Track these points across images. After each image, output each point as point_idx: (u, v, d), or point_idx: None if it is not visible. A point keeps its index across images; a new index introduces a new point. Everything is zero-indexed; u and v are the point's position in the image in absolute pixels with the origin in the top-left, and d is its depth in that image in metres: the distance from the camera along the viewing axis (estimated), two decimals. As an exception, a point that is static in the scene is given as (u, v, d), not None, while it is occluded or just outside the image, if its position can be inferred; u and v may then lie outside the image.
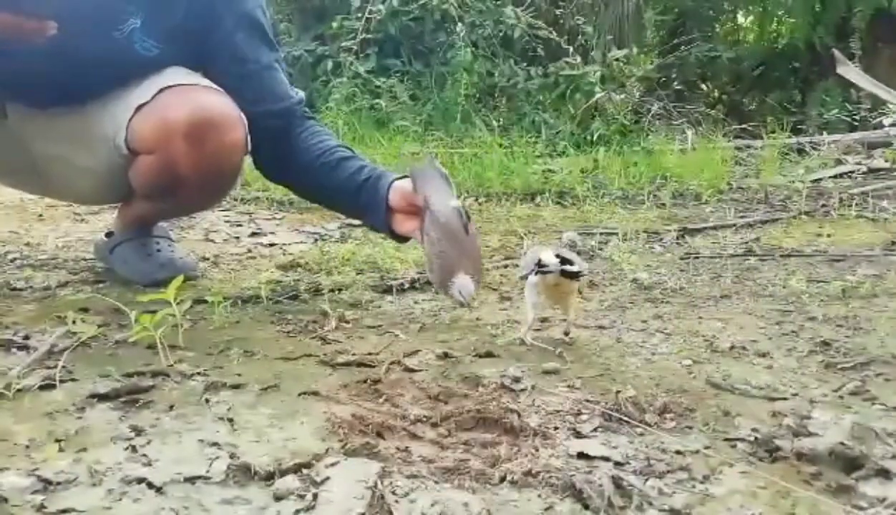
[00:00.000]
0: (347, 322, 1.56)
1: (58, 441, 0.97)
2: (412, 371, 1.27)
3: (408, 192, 1.63)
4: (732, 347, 1.42)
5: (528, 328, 1.45)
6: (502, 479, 0.89)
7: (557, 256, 1.36)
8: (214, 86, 1.71)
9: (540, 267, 1.36)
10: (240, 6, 1.73)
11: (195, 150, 1.63)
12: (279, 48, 1.86)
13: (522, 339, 1.45)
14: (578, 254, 1.52)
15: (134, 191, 1.79)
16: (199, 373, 1.22)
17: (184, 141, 1.62)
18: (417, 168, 1.66)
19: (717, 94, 8.39)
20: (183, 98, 1.64)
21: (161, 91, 1.64)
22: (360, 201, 1.70)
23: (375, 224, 1.74)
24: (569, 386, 1.20)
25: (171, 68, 1.69)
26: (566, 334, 1.48)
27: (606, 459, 0.95)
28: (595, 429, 1.04)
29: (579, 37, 5.65)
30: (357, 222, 2.81)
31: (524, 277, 1.44)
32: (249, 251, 2.34)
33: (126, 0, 1.65)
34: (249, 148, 1.72)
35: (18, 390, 1.11)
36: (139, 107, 1.65)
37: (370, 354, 1.34)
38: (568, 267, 1.35)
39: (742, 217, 2.99)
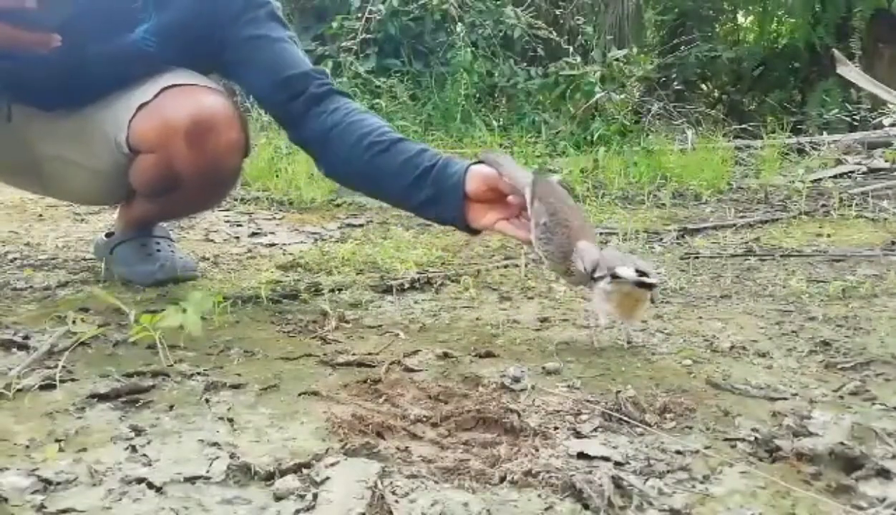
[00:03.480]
0: (347, 322, 1.56)
1: (58, 441, 0.97)
2: (412, 371, 1.27)
3: (490, 177, 1.50)
4: (732, 347, 1.42)
5: (598, 331, 1.45)
6: (502, 479, 0.89)
7: (639, 272, 1.31)
8: (216, 86, 1.71)
9: (614, 278, 1.31)
10: None
11: (195, 150, 1.62)
12: (291, 29, 1.79)
13: (591, 342, 1.43)
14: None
15: (135, 192, 1.79)
16: (199, 373, 1.22)
17: (184, 141, 1.61)
18: (490, 153, 1.56)
19: (717, 94, 8.40)
20: (184, 98, 1.64)
21: (162, 91, 1.64)
22: (424, 189, 1.52)
23: (445, 214, 1.55)
24: (569, 386, 1.20)
25: (173, 68, 1.69)
26: (629, 342, 1.44)
27: (606, 459, 0.95)
28: (595, 429, 1.04)
29: (579, 37, 5.65)
30: (357, 222, 2.83)
31: (595, 279, 1.36)
32: (249, 251, 2.34)
33: (138, 8, 1.64)
34: (250, 149, 1.72)
35: (18, 390, 1.11)
36: (140, 107, 1.65)
37: (370, 354, 1.34)
38: (645, 279, 1.30)
39: (742, 217, 2.99)
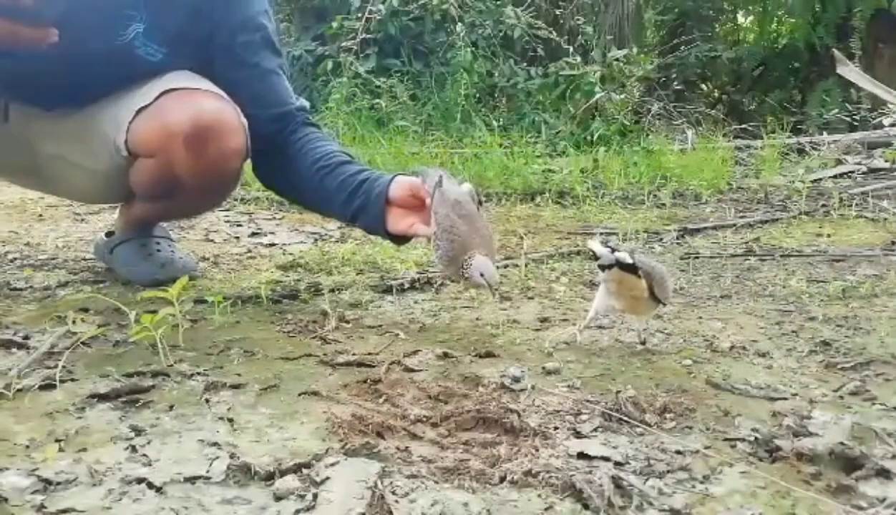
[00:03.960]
0: (347, 322, 1.56)
1: (58, 441, 0.97)
2: (412, 371, 1.27)
3: (413, 183, 1.59)
4: (732, 347, 1.42)
5: (586, 325, 1.44)
6: (502, 479, 0.89)
7: (611, 249, 1.31)
8: (217, 90, 1.70)
9: (596, 259, 1.33)
10: (243, 10, 1.73)
11: (195, 155, 1.62)
12: (283, 54, 1.85)
13: (577, 335, 1.44)
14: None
15: (134, 193, 1.79)
16: (199, 373, 1.22)
17: (183, 145, 1.61)
18: (424, 168, 1.63)
19: (717, 94, 8.40)
20: (184, 102, 1.63)
21: (162, 94, 1.64)
22: (356, 201, 1.64)
23: (370, 223, 1.65)
24: (569, 386, 1.20)
25: (173, 71, 1.69)
26: (643, 343, 1.43)
27: (606, 459, 0.95)
28: (595, 429, 1.04)
29: (579, 37, 5.66)
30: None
31: (603, 268, 1.36)
32: (249, 251, 2.34)
33: (129, 5, 1.65)
34: (249, 154, 1.72)
35: (18, 390, 1.11)
36: (140, 110, 1.65)
37: (370, 354, 1.34)
38: (624, 260, 1.29)
39: (742, 217, 2.99)
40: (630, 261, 1.30)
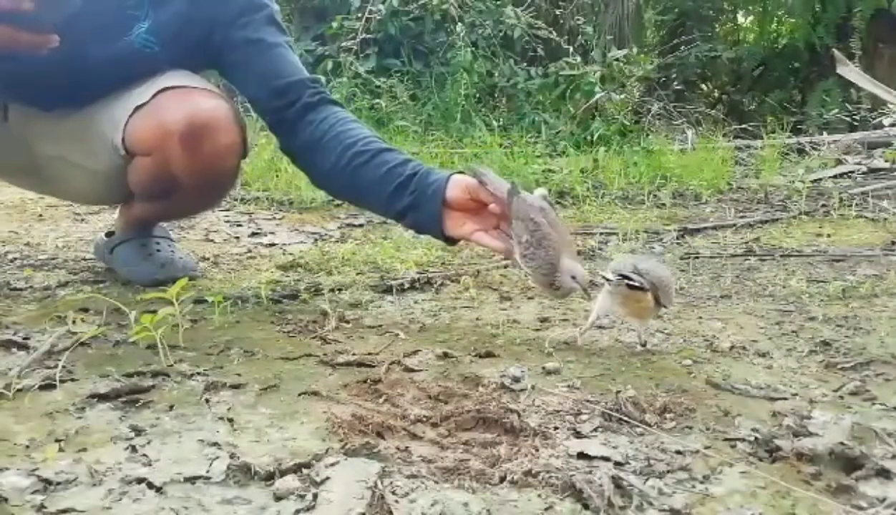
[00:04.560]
0: (347, 322, 1.56)
1: (58, 441, 0.97)
2: (412, 371, 1.27)
3: (471, 186, 1.50)
4: (732, 347, 1.42)
5: (587, 329, 1.44)
6: (502, 479, 0.89)
7: (623, 272, 1.33)
8: (213, 88, 1.70)
9: (607, 280, 1.34)
10: None
11: (191, 154, 1.62)
12: (289, 34, 1.80)
13: (578, 338, 1.43)
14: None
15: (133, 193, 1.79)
16: (199, 373, 1.22)
17: (179, 144, 1.61)
18: (476, 167, 1.55)
19: (717, 94, 8.40)
20: (180, 100, 1.63)
21: (159, 92, 1.64)
22: (405, 198, 1.53)
23: (422, 222, 1.55)
24: (569, 386, 1.20)
25: (171, 70, 1.69)
26: (643, 345, 1.42)
27: (606, 459, 0.95)
28: (595, 429, 1.04)
29: (579, 37, 5.66)
30: (357, 222, 2.83)
31: (608, 280, 1.37)
32: (249, 251, 2.34)
33: (133, 6, 1.65)
34: (248, 151, 1.71)
35: (18, 390, 1.11)
36: (137, 109, 1.65)
37: (370, 354, 1.34)
38: (633, 281, 1.31)
39: (742, 217, 2.99)
40: (639, 285, 1.32)
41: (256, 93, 1.69)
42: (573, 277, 1.41)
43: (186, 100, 1.63)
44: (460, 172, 1.56)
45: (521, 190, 1.47)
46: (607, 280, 1.36)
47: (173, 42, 1.67)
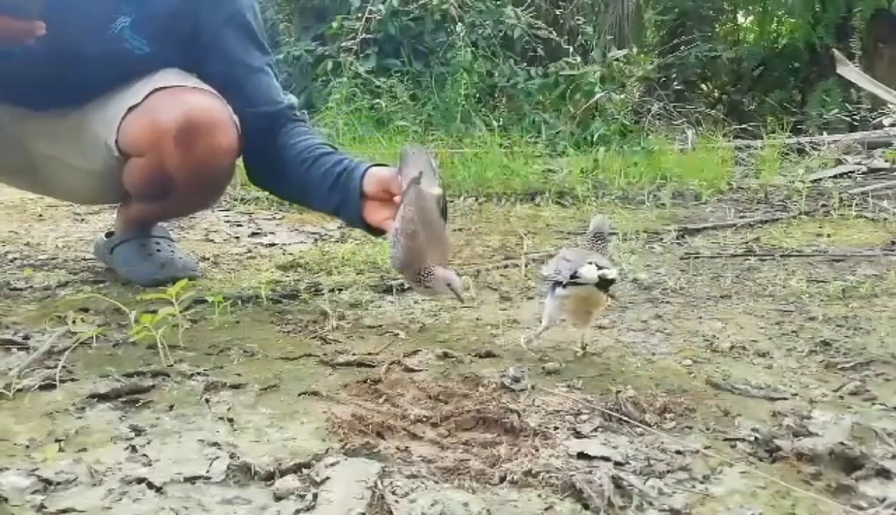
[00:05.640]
0: (347, 322, 1.56)
1: (58, 441, 0.97)
2: (412, 371, 1.27)
3: (384, 178, 1.58)
4: (732, 347, 1.42)
5: (538, 335, 1.39)
6: (502, 479, 0.89)
7: (598, 266, 1.24)
8: (206, 87, 1.70)
9: (573, 278, 1.24)
10: (228, 6, 1.72)
11: (185, 153, 1.62)
12: (271, 51, 1.84)
13: (525, 343, 1.40)
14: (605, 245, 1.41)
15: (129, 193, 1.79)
16: (199, 373, 1.22)
17: (174, 143, 1.61)
18: (410, 150, 1.59)
19: (717, 94, 8.40)
20: (173, 100, 1.63)
21: (152, 92, 1.64)
22: (336, 196, 1.63)
23: (349, 217, 1.66)
24: (569, 386, 1.20)
25: (163, 69, 1.69)
26: (583, 348, 1.38)
27: (606, 459, 0.95)
28: (595, 429, 1.04)
29: (579, 37, 5.65)
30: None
31: (556, 284, 1.30)
32: (249, 251, 2.34)
33: None
34: (241, 150, 1.72)
35: (18, 390, 1.11)
36: (130, 109, 1.65)
37: (370, 354, 1.34)
38: (605, 275, 1.23)
39: (742, 217, 2.99)
40: (611, 277, 1.25)
41: (238, 111, 1.71)
42: (448, 285, 1.41)
43: (180, 100, 1.63)
44: (382, 164, 1.65)
45: (423, 182, 1.48)
46: (559, 284, 1.28)
47: (159, 38, 1.67)
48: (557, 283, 1.29)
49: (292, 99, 1.83)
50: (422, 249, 1.43)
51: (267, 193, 3.34)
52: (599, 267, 1.24)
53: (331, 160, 1.67)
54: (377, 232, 1.65)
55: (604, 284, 1.25)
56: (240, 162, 1.79)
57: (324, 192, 1.65)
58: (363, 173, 1.61)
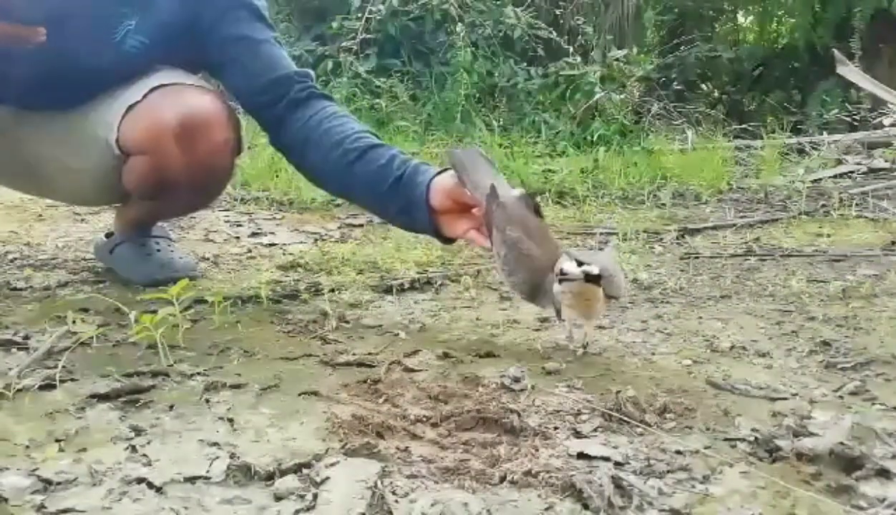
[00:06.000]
0: (347, 322, 1.56)
1: (58, 441, 0.97)
2: (412, 371, 1.27)
3: (453, 190, 1.49)
4: (732, 347, 1.42)
5: (569, 336, 1.39)
6: (502, 479, 0.89)
7: (578, 262, 1.24)
8: (206, 85, 1.70)
9: (562, 275, 1.25)
10: None
11: (186, 151, 1.62)
12: (276, 29, 1.79)
13: (570, 346, 1.38)
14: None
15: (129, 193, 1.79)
16: (199, 373, 1.22)
17: (174, 141, 1.61)
18: (459, 152, 1.51)
19: (717, 94, 8.39)
20: (173, 98, 1.63)
21: (152, 91, 1.64)
22: (396, 200, 1.54)
23: (417, 225, 1.57)
24: (569, 386, 1.20)
25: (162, 68, 1.69)
26: (584, 346, 1.38)
27: (606, 459, 0.95)
28: (595, 429, 1.04)
29: (579, 37, 5.65)
30: (357, 222, 2.83)
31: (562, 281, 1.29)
32: (249, 251, 2.34)
33: (121, 2, 1.65)
34: (242, 148, 1.71)
35: (18, 390, 1.11)
36: (130, 108, 1.65)
37: (370, 354, 1.34)
38: (590, 271, 1.23)
39: (742, 217, 2.99)
40: (596, 273, 1.24)
41: (244, 90, 1.68)
42: (561, 290, 1.32)
43: (180, 98, 1.63)
44: (441, 171, 1.54)
45: (499, 192, 1.41)
46: (563, 276, 1.27)
47: (162, 40, 1.67)
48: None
49: (307, 70, 1.73)
50: (539, 266, 1.36)
51: (267, 193, 3.36)
52: (580, 263, 1.24)
53: (381, 156, 1.56)
54: (450, 240, 1.59)
55: (593, 279, 1.24)
56: (240, 162, 1.79)
57: (378, 193, 1.56)
58: (427, 185, 1.50)
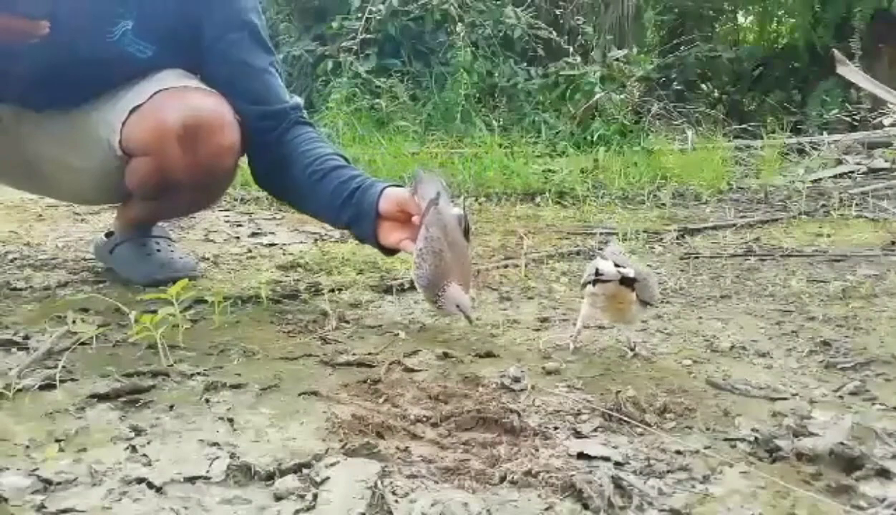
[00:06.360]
0: (347, 322, 1.56)
1: (58, 441, 0.97)
2: (412, 371, 1.27)
3: (401, 198, 1.59)
4: (732, 347, 1.42)
5: (576, 336, 1.40)
6: (502, 479, 0.89)
7: (616, 264, 1.27)
8: (209, 88, 1.70)
9: (598, 275, 1.27)
10: (232, 7, 1.72)
11: (189, 153, 1.62)
12: (275, 52, 1.83)
13: (570, 344, 1.40)
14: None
15: (130, 193, 1.79)
16: (199, 373, 1.22)
17: (178, 143, 1.61)
18: (422, 173, 1.60)
19: (717, 94, 8.40)
20: (177, 100, 1.64)
21: (156, 93, 1.64)
22: (348, 210, 1.63)
23: (362, 234, 1.66)
24: (569, 386, 1.20)
25: (166, 70, 1.69)
26: (632, 349, 1.38)
27: (606, 459, 0.95)
28: (595, 429, 1.04)
29: (579, 37, 5.66)
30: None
31: (584, 285, 1.34)
32: (249, 251, 2.34)
33: (117, 2, 1.65)
34: (244, 150, 1.72)
35: (18, 390, 1.11)
36: (134, 110, 1.65)
37: (370, 354, 1.34)
38: (626, 273, 1.26)
39: (742, 217, 2.99)
40: (632, 276, 1.27)
41: (241, 112, 1.70)
42: (457, 306, 1.44)
43: (184, 100, 1.64)
44: (397, 185, 1.65)
45: (441, 202, 1.50)
46: (586, 283, 1.31)
47: (161, 40, 1.67)
48: (587, 283, 1.32)
49: (298, 100, 1.80)
50: (448, 268, 1.45)
51: (267, 193, 3.36)
52: (617, 265, 1.27)
53: (344, 174, 1.66)
54: (389, 251, 1.66)
55: (627, 282, 1.27)
56: (242, 161, 1.79)
57: (335, 206, 1.65)
58: (380, 192, 1.60)
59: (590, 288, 1.32)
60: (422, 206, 1.53)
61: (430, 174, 1.62)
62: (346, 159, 1.72)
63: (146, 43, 1.67)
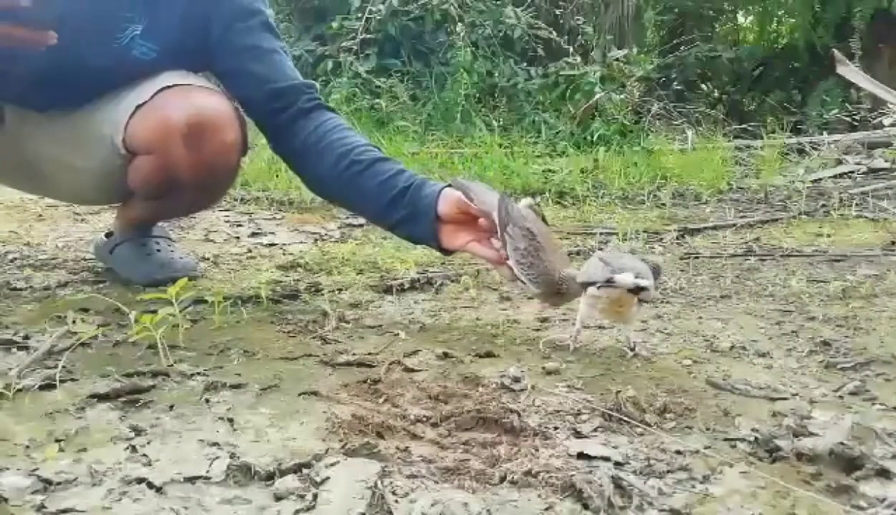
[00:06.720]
0: (347, 322, 1.56)
1: (58, 441, 0.97)
2: (412, 371, 1.27)
3: (461, 201, 1.54)
4: (732, 347, 1.42)
5: (575, 337, 1.40)
6: (502, 479, 0.89)
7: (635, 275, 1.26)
8: (213, 86, 1.71)
9: (608, 283, 1.27)
10: (237, 0, 1.71)
11: (193, 151, 1.63)
12: (283, 39, 1.82)
13: (570, 344, 1.39)
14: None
15: (132, 192, 1.79)
16: (199, 373, 1.22)
17: (182, 142, 1.62)
18: (461, 180, 1.59)
19: (717, 94, 8.40)
20: (181, 99, 1.64)
21: (159, 92, 1.64)
22: (399, 210, 1.57)
23: (419, 233, 1.60)
24: (569, 386, 1.20)
25: (169, 70, 1.69)
26: (631, 349, 1.37)
27: (606, 459, 0.95)
28: (595, 429, 1.04)
29: (579, 37, 5.66)
30: (357, 222, 2.83)
31: (586, 285, 1.33)
32: (249, 251, 2.34)
33: (127, 7, 1.65)
34: (247, 149, 1.72)
35: (18, 390, 1.11)
36: (137, 108, 1.65)
37: (370, 354, 1.34)
38: (641, 284, 1.25)
39: (742, 217, 2.99)
40: (644, 285, 1.26)
41: (252, 98, 1.69)
42: (584, 282, 1.36)
43: (188, 99, 1.64)
44: (449, 186, 1.60)
45: (508, 205, 1.49)
46: (589, 284, 1.31)
47: (170, 46, 1.68)
48: (590, 284, 1.32)
49: (315, 83, 1.77)
50: (552, 259, 1.43)
51: (267, 193, 3.36)
52: (636, 275, 1.26)
53: (389, 169, 1.60)
54: (448, 252, 1.63)
55: (636, 290, 1.27)
56: (242, 162, 1.79)
57: (382, 203, 1.59)
58: (437, 194, 1.55)
59: (593, 290, 1.31)
60: (482, 208, 1.51)
61: (467, 179, 1.61)
62: (382, 152, 1.66)
63: (153, 45, 1.67)
